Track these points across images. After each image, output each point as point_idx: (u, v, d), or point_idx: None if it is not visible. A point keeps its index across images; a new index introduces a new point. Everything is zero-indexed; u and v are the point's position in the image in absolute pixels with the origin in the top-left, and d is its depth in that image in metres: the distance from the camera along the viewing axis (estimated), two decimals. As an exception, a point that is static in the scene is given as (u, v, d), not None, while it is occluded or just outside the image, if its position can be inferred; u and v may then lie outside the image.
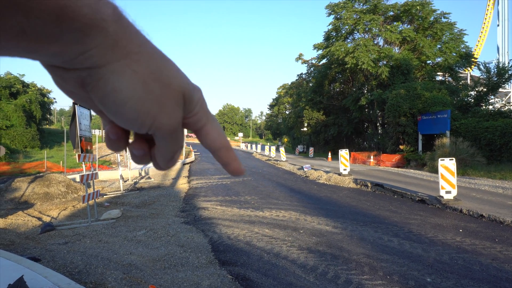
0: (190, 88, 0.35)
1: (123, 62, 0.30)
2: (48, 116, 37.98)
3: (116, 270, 4.18)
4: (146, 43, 0.32)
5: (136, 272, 4.12)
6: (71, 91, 0.32)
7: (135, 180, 13.47)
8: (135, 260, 4.55)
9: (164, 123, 0.33)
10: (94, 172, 7.57)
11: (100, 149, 25.97)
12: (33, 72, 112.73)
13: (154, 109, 0.32)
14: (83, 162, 7.16)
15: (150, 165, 0.42)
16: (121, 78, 0.30)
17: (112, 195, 10.18)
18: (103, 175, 14.26)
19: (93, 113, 11.09)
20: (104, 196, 9.97)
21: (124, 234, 5.89)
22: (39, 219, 7.39)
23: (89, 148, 7.64)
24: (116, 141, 0.36)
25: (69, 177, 11.64)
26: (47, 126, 42.16)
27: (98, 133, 42.69)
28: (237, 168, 0.41)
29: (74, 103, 7.07)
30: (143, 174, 15.37)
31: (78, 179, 11.61)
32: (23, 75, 31.39)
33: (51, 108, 38.14)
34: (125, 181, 12.89)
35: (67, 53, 0.28)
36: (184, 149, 25.55)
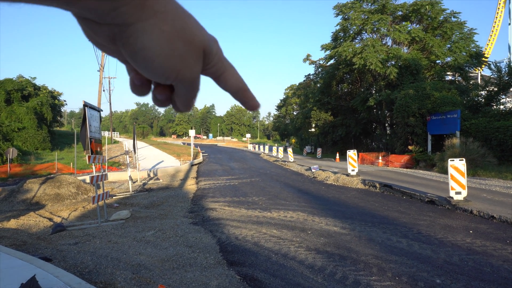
0: (209, 43, 0.38)
1: (151, 21, 0.32)
2: (59, 118, 38.50)
3: (125, 270, 4.23)
4: (170, 0, 0.34)
5: (145, 272, 4.17)
6: (102, 44, 0.35)
7: (143, 181, 13.59)
8: (144, 260, 4.59)
9: (186, 76, 0.36)
10: (104, 173, 7.67)
11: (110, 150, 26.24)
12: (44, 75, 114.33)
13: (179, 65, 0.35)
14: (93, 164, 7.26)
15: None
16: (150, 37, 0.32)
17: (121, 196, 10.29)
18: (112, 176, 14.41)
19: (102, 114, 11.23)
20: (114, 197, 10.08)
21: (133, 235, 5.95)
22: (50, 219, 7.50)
23: (98, 149, 7.74)
24: (140, 86, 0.39)
25: (79, 178, 11.80)
26: (58, 128, 42.73)
27: (107, 134, 43.16)
28: (254, 105, 0.45)
29: (84, 106, 7.18)
30: (151, 175, 15.49)
31: (88, 180, 11.75)
32: (35, 78, 31.79)
33: (62, 110, 38.67)
34: (134, 182, 13.01)
35: (101, 8, 0.30)
36: (192, 150, 25.66)
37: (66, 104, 36.78)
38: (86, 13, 0.31)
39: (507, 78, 20.31)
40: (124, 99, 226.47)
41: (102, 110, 9.08)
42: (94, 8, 0.30)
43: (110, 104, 39.27)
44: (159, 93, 0.40)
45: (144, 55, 0.33)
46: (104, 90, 34.46)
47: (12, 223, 7.10)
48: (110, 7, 0.30)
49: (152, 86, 0.40)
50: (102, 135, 18.44)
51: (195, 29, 0.36)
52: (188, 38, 0.35)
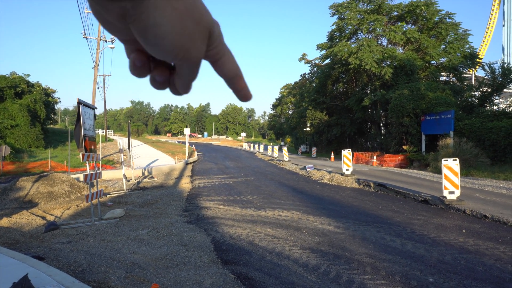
0: (214, 25, 0.39)
1: None
2: (53, 115, 38.16)
3: (119, 269, 4.21)
4: None
5: (139, 271, 4.15)
6: (108, 21, 0.35)
7: (138, 180, 13.53)
8: (138, 259, 4.57)
9: (193, 55, 0.37)
10: (98, 171, 7.62)
11: (104, 148, 26.08)
12: (38, 72, 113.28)
13: (188, 43, 0.35)
14: (86, 162, 7.21)
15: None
16: (162, 13, 0.33)
17: (116, 195, 10.23)
18: (106, 174, 14.33)
19: (97, 112, 11.14)
20: (108, 196, 10.02)
21: (127, 233, 5.92)
22: (43, 218, 7.44)
23: (92, 147, 7.69)
24: (141, 67, 0.40)
25: (73, 176, 11.71)
26: (51, 126, 42.35)
27: (102, 132, 42.88)
28: (246, 94, 0.46)
29: (78, 103, 7.12)
30: (146, 173, 15.42)
31: (81, 179, 11.67)
32: (28, 75, 31.42)
33: (56, 108, 38.32)
34: (128, 181, 12.95)
35: None
36: (187, 148, 25.58)
37: (60, 101, 36.42)
38: None
39: (500, 79, 20.52)
40: (118, 97, 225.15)
41: (96, 108, 9.02)
42: None
43: (105, 102, 39.04)
44: (158, 75, 0.41)
45: (155, 31, 0.33)
46: (98, 88, 34.21)
47: (5, 222, 7.03)
48: None
49: (152, 68, 0.41)
50: (97, 133, 18.33)
51: (203, 9, 0.37)
52: (197, 18, 0.36)
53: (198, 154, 28.94)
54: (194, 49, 0.36)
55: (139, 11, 0.32)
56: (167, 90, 0.44)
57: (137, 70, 0.40)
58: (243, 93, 0.46)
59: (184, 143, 36.12)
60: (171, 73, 0.42)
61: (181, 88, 0.42)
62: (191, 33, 0.35)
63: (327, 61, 32.85)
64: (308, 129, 39.26)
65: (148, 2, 0.32)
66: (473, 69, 29.47)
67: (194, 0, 0.36)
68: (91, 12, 0.34)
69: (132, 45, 0.39)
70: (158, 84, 0.42)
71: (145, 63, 0.40)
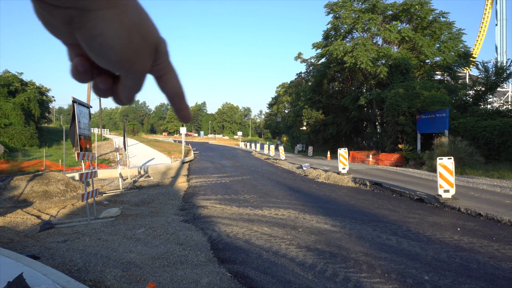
0: (161, 41, 0.40)
1: (113, 11, 0.33)
2: (47, 114, 37.83)
3: (115, 268, 4.19)
4: None
5: (135, 270, 4.14)
6: (53, 25, 0.34)
7: (134, 179, 13.47)
8: (134, 258, 4.56)
9: (138, 68, 0.37)
10: (93, 170, 7.58)
11: (100, 147, 25.94)
12: (31, 70, 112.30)
13: (133, 56, 0.36)
14: (82, 161, 7.17)
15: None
16: (110, 25, 0.33)
17: (111, 194, 10.19)
18: (102, 173, 14.26)
19: (92, 111, 11.06)
20: (104, 195, 9.98)
21: (123, 232, 5.90)
22: (38, 217, 7.39)
23: (88, 146, 7.64)
24: (84, 73, 0.39)
25: (68, 175, 11.64)
26: (46, 125, 42.06)
27: (97, 131, 42.64)
28: (186, 115, 0.47)
29: (73, 102, 7.07)
30: (142, 172, 15.37)
31: (77, 178, 11.60)
32: (22, 73, 31.14)
33: (50, 106, 38.00)
34: (124, 180, 12.89)
35: None
36: (183, 147, 25.53)
37: (55, 100, 36.17)
38: None
39: (494, 78, 20.69)
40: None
41: (91, 107, 8.96)
42: None
43: (100, 100, 38.81)
44: (101, 83, 0.41)
45: (101, 41, 0.33)
46: (93, 87, 33.92)
47: (-1, 221, 6.97)
48: None
49: (95, 75, 0.41)
50: (92, 132, 18.20)
51: (151, 26, 0.38)
52: (144, 33, 0.36)
53: (194, 153, 28.88)
54: (139, 63, 0.37)
55: (86, 19, 0.32)
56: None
57: (79, 75, 0.39)
58: (182, 114, 0.46)
59: (180, 142, 36.03)
60: (114, 81, 0.41)
61: (124, 98, 0.42)
62: (137, 47, 0.36)
63: (323, 60, 32.90)
64: (304, 128, 39.35)
65: (95, 13, 0.32)
66: (467, 68, 29.70)
67: (142, 16, 0.37)
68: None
69: (75, 50, 0.39)
70: (100, 92, 0.41)
71: (88, 69, 0.39)
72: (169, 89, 0.43)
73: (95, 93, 0.43)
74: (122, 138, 13.83)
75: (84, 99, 27.37)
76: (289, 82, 58.07)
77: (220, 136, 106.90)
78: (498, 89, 22.60)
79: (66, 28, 0.34)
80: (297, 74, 51.29)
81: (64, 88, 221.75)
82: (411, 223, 6.36)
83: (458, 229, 5.98)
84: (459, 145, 15.70)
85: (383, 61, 26.23)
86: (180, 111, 0.46)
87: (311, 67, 40.01)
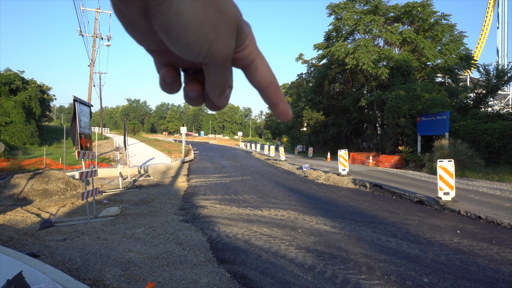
0: (243, 21, 0.37)
1: None
2: (48, 113, 37.78)
3: (114, 267, 4.19)
4: None
5: (134, 269, 4.14)
6: (130, 19, 0.34)
7: (134, 178, 13.48)
8: (133, 258, 4.56)
9: (219, 50, 0.34)
10: (94, 169, 7.58)
11: (100, 146, 25.94)
12: (33, 69, 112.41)
13: (212, 34, 0.33)
14: (82, 159, 7.17)
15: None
16: (184, 1, 0.32)
17: (111, 193, 10.19)
18: (102, 172, 14.26)
19: (92, 110, 11.07)
20: (103, 194, 9.97)
21: (123, 232, 5.90)
22: (38, 215, 7.39)
23: (88, 145, 7.65)
24: (171, 84, 0.38)
25: (68, 174, 11.64)
26: (47, 123, 42.07)
27: (98, 130, 42.64)
28: (285, 110, 0.41)
29: (74, 101, 7.08)
30: (142, 172, 15.37)
31: (77, 176, 11.61)
32: (23, 71, 31.09)
33: (51, 105, 37.95)
34: (124, 179, 12.90)
35: None
36: (183, 147, 25.53)
37: (56, 98, 36.15)
38: None
39: (495, 81, 20.67)
40: (115, 95, 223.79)
41: (92, 106, 8.97)
42: None
43: (101, 99, 38.83)
44: (190, 90, 0.39)
45: (177, 20, 0.32)
46: (94, 85, 34.08)
47: (-1, 219, 6.97)
48: None
49: (183, 84, 0.39)
50: (92, 130, 18.20)
51: (229, 2, 0.35)
52: (222, 7, 0.34)
53: (194, 153, 28.88)
54: (220, 41, 0.34)
55: (160, 1, 0.32)
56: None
57: (168, 86, 0.38)
58: (280, 109, 0.41)
59: (180, 141, 36.03)
60: (203, 87, 0.39)
61: (214, 98, 0.39)
62: (216, 23, 0.33)
63: (324, 61, 32.89)
64: (304, 129, 39.33)
65: None
66: (468, 71, 29.66)
67: None
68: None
69: (160, 57, 0.38)
70: (192, 100, 0.40)
71: (175, 79, 0.38)
72: (260, 79, 0.39)
73: (187, 102, 0.40)
74: (123, 137, 13.84)
75: (85, 98, 27.42)
76: (290, 83, 58.04)
77: (221, 136, 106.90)
78: (499, 92, 22.60)
79: (143, 19, 0.33)
80: (298, 75, 51.35)
81: (65, 87, 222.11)
82: (410, 225, 6.36)
83: (458, 231, 5.97)
84: (459, 147, 15.70)
85: (384, 63, 26.21)
86: (276, 105, 0.40)
87: (312, 68, 39.98)
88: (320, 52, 32.30)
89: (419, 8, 26.55)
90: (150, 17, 0.33)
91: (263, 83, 0.39)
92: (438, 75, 28.33)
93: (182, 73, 0.40)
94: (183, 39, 0.33)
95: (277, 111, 0.41)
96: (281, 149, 24.75)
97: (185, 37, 0.33)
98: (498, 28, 49.07)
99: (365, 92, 29.16)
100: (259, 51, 0.39)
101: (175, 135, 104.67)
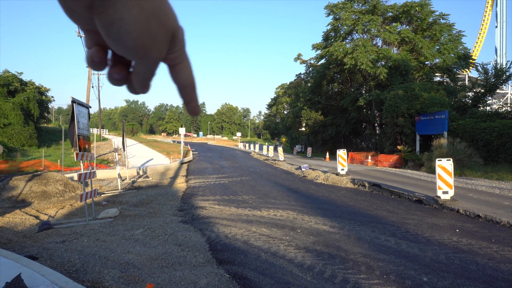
0: (179, 29, 0.40)
1: None
2: (46, 114, 37.74)
3: (113, 268, 4.18)
4: None
5: (133, 271, 4.13)
6: (73, 10, 0.35)
7: (132, 179, 13.46)
8: (132, 259, 4.55)
9: (153, 55, 0.37)
10: (92, 171, 7.56)
11: (98, 148, 25.91)
12: (31, 70, 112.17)
13: (149, 43, 0.36)
14: (81, 161, 7.16)
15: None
16: (129, 11, 0.33)
17: (110, 194, 10.17)
18: (101, 174, 14.24)
19: (91, 111, 11.04)
20: (102, 195, 9.96)
21: (122, 233, 5.89)
22: (37, 217, 7.37)
23: (87, 146, 7.63)
24: (98, 63, 0.40)
25: (67, 175, 11.62)
26: (45, 125, 41.95)
27: (96, 131, 42.58)
28: (195, 108, 0.46)
29: (72, 102, 7.06)
30: (141, 173, 15.35)
31: (76, 178, 11.59)
32: (21, 73, 31.03)
33: (49, 106, 37.92)
34: (123, 180, 12.88)
35: None
36: (182, 148, 25.50)
37: (54, 100, 36.02)
38: None
39: (493, 80, 20.72)
40: (113, 96, 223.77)
41: (90, 107, 8.95)
42: None
43: (99, 100, 38.78)
44: (116, 72, 0.41)
45: (119, 27, 0.34)
46: (93, 87, 34.00)
47: (-3, 221, 6.95)
48: None
49: (109, 64, 0.41)
50: (91, 132, 18.16)
51: (170, 13, 0.38)
52: (163, 20, 0.37)
53: (193, 154, 28.87)
54: (154, 49, 0.37)
55: (107, 4, 0.33)
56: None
57: (94, 64, 0.40)
58: (192, 106, 0.46)
59: (179, 142, 35.99)
60: (128, 71, 0.42)
61: (137, 86, 0.42)
62: (155, 34, 0.36)
63: (322, 61, 32.91)
64: (303, 129, 39.35)
65: None
66: (467, 70, 29.76)
67: (162, 3, 0.37)
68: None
69: (93, 37, 0.40)
70: (115, 81, 0.42)
71: (103, 60, 0.40)
72: (181, 79, 0.43)
73: (109, 82, 0.43)
74: (121, 138, 13.82)
75: (83, 99, 27.31)
76: (288, 83, 58.11)
77: (219, 136, 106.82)
78: (498, 91, 22.63)
79: (86, 13, 0.34)
80: (296, 75, 51.38)
81: (63, 88, 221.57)
82: (409, 225, 6.36)
83: (457, 230, 5.98)
84: (458, 146, 15.72)
85: (383, 63, 26.25)
86: (189, 103, 0.45)
87: (310, 68, 39.97)
88: (319, 52, 32.32)
89: (417, 8, 26.59)
90: (94, 14, 0.34)
91: (183, 83, 0.44)
92: (437, 74, 28.37)
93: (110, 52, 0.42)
94: (122, 43, 0.35)
95: (188, 107, 0.46)
96: (280, 149, 24.75)
97: (124, 41, 0.35)
98: (496, 27, 49.19)
99: (363, 91, 29.18)
100: (186, 55, 0.43)
101: (174, 136, 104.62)
